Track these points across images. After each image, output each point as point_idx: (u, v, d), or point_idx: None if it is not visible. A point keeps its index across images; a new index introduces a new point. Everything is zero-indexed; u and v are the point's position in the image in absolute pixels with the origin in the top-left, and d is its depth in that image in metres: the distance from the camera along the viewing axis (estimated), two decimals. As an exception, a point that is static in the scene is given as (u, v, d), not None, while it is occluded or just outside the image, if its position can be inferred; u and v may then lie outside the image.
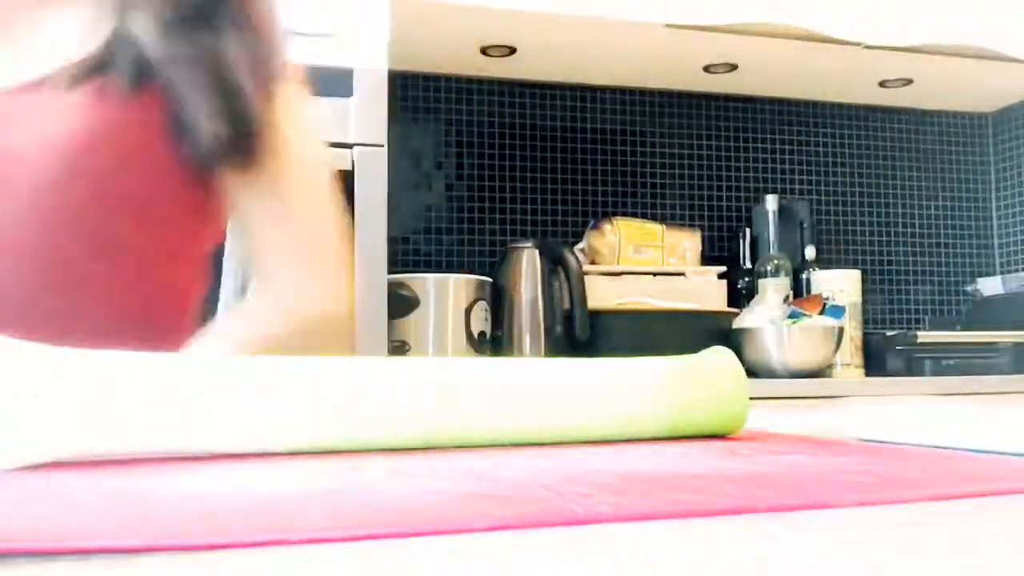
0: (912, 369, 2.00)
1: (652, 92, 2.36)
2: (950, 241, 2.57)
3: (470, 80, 2.22)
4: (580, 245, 2.11)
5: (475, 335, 1.78)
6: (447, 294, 1.77)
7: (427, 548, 0.22)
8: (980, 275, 2.52)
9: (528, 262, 1.87)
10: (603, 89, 2.33)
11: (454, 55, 2.09)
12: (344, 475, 0.31)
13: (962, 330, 2.34)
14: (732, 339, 1.86)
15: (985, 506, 0.27)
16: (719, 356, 0.45)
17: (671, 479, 0.30)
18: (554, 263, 1.88)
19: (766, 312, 1.91)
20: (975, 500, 0.28)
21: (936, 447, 0.42)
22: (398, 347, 1.75)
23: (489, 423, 0.39)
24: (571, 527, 0.24)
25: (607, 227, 2.11)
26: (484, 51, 2.09)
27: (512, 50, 2.09)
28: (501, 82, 2.26)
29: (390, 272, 1.59)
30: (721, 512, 0.25)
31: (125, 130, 0.62)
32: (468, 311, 1.78)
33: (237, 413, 0.35)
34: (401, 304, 1.74)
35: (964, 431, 0.51)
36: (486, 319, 1.81)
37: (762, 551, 0.22)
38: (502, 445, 0.40)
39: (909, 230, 2.54)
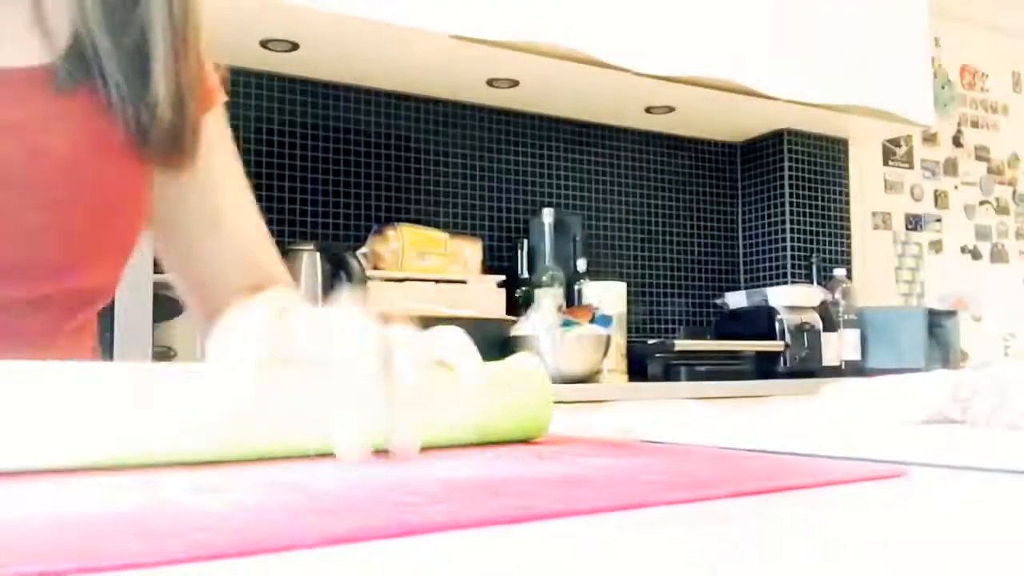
0: (670, 375, 2.16)
1: (438, 101, 2.39)
2: (703, 257, 2.80)
3: (248, 73, 2.13)
4: (363, 250, 2.09)
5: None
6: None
7: (261, 568, 0.20)
8: (727, 289, 2.77)
9: (308, 265, 1.82)
10: (388, 94, 2.32)
11: (232, 46, 1.99)
12: (146, 492, 0.29)
13: (712, 339, 2.55)
14: (510, 346, 1.91)
15: (777, 500, 0.30)
16: (524, 362, 0.46)
17: (494, 485, 0.31)
18: (336, 267, 1.84)
19: (541, 320, 1.98)
20: (769, 496, 0.30)
21: (715, 447, 0.46)
22: (163, 353, 1.64)
23: (281, 434, 0.38)
24: (408, 537, 0.23)
25: (391, 233, 2.10)
26: (264, 44, 2.01)
27: (295, 46, 2.03)
28: (282, 78, 2.19)
29: (156, 272, 1.49)
30: (550, 516, 0.26)
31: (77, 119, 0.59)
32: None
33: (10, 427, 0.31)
34: (167, 307, 1.64)
35: (730, 432, 0.56)
36: (262, 323, 1.74)
37: (592, 551, 0.23)
38: (300, 456, 0.38)
39: (668, 246, 2.74)
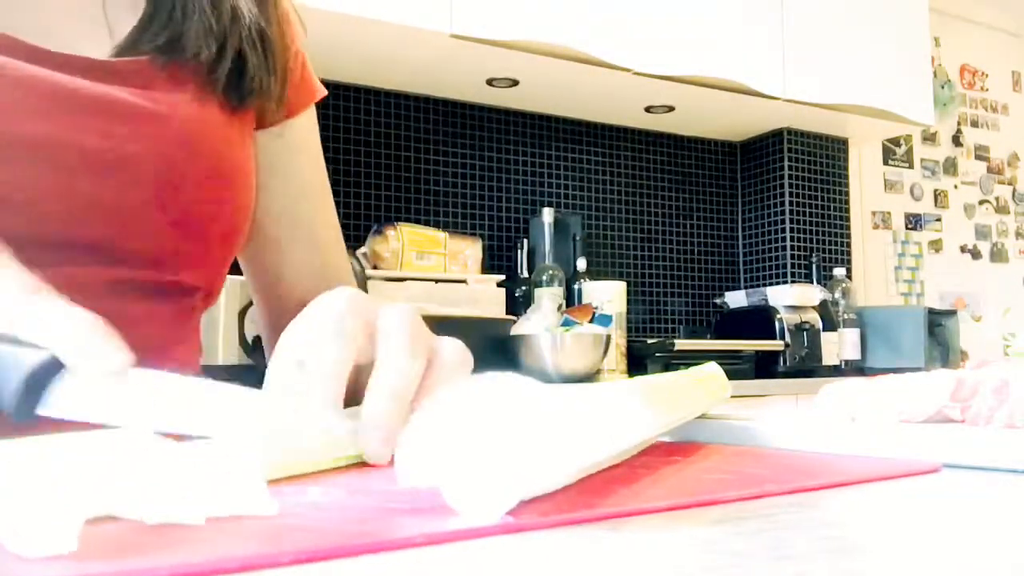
0: (670, 374, 2.16)
1: (438, 101, 2.39)
2: (703, 256, 2.80)
3: (249, 73, 2.13)
4: (363, 249, 2.09)
5: (249, 340, 1.71)
6: (219, 296, 1.69)
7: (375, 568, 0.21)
8: (727, 289, 2.77)
9: (308, 265, 1.82)
10: (388, 93, 2.32)
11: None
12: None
13: (712, 339, 2.56)
14: (510, 345, 1.91)
15: (832, 496, 0.32)
16: (709, 369, 0.51)
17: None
18: (335, 267, 1.84)
19: (541, 320, 1.98)
20: (822, 492, 0.32)
21: (743, 445, 0.46)
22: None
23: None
24: (505, 536, 0.23)
25: (391, 232, 2.10)
26: (266, 45, 2.01)
27: (296, 46, 2.03)
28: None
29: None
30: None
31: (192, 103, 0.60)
32: (242, 314, 1.70)
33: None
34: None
35: (753, 431, 0.56)
36: (262, 323, 1.74)
37: (660, 550, 0.23)
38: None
39: (668, 246, 2.74)
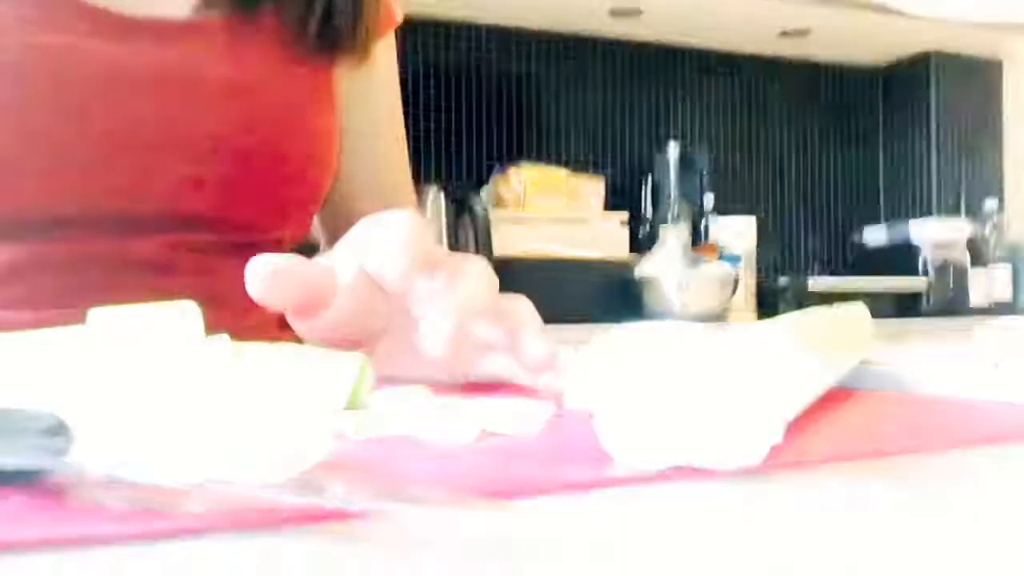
0: (802, 315, 2.08)
1: (558, 35, 2.33)
2: (839, 191, 2.66)
3: (371, 15, 2.14)
4: (486, 189, 2.09)
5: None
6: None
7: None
8: (866, 224, 2.63)
9: (433, 205, 1.83)
10: (506, 30, 2.28)
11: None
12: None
13: (849, 277, 2.44)
14: (634, 286, 1.88)
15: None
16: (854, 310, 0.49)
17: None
18: (459, 208, 1.85)
19: (667, 259, 1.94)
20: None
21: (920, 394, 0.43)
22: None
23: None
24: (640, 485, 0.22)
25: (512, 172, 2.09)
26: (386, -15, 2.01)
27: (415, -15, 2.02)
28: (406, 19, 2.18)
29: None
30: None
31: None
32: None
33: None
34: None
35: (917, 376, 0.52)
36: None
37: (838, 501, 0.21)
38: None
39: (801, 179, 2.61)
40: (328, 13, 0.62)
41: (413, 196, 0.75)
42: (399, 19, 0.72)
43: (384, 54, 0.71)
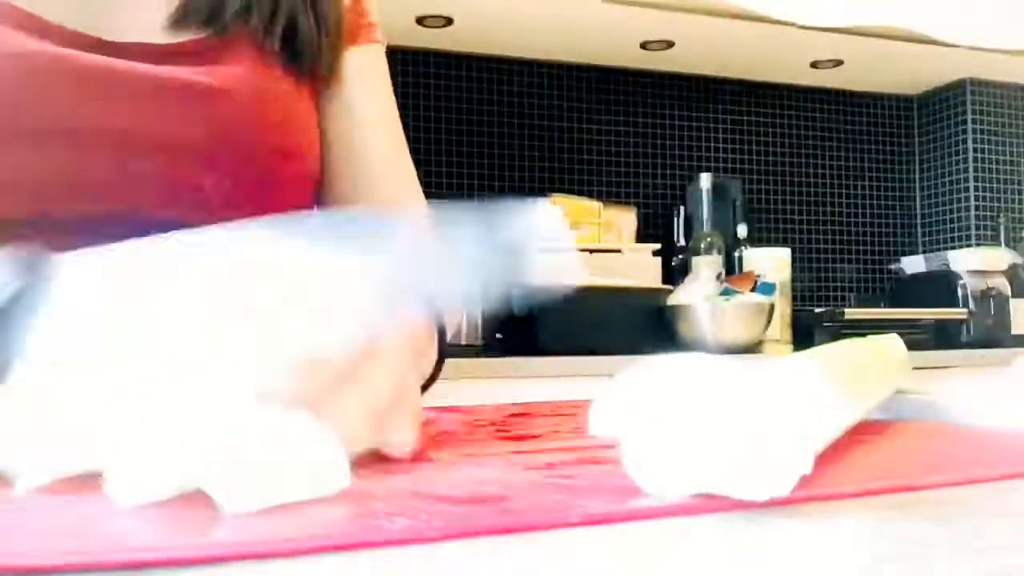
0: (839, 345, 2.05)
1: (590, 68, 2.35)
2: (875, 220, 2.63)
3: (405, 51, 2.17)
4: (516, 221, 2.09)
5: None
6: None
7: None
8: (903, 254, 2.59)
9: (465, 238, 1.84)
10: (541, 64, 2.31)
11: (388, 24, 2.03)
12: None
13: (886, 307, 2.40)
14: (666, 315, 1.87)
15: None
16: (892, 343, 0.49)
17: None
18: (491, 239, 1.86)
19: (700, 289, 1.92)
20: None
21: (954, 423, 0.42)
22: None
23: None
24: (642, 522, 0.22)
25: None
26: (420, 21, 2.04)
27: (449, 21, 2.05)
28: (437, 54, 2.21)
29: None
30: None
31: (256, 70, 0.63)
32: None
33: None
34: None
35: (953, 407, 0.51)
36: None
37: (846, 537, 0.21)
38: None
39: (836, 209, 2.59)
40: (291, 32, 0.64)
41: (419, 198, 0.74)
42: (379, 38, 0.74)
43: (371, 63, 0.73)
